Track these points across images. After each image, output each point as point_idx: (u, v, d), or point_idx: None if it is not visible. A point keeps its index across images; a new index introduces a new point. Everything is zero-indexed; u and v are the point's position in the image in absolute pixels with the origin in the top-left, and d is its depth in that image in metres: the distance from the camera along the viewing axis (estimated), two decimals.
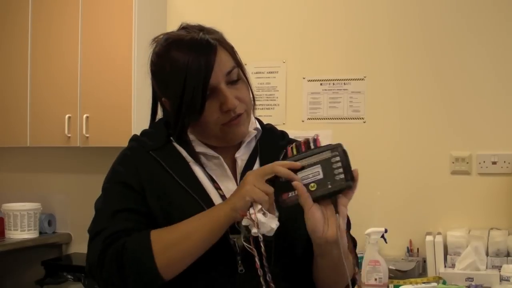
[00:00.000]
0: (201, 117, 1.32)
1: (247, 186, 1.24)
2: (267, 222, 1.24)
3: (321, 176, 1.26)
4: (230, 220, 1.26)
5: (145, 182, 1.34)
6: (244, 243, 1.25)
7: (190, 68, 1.29)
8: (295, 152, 1.30)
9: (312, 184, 1.26)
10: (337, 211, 1.26)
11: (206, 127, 1.35)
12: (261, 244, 1.23)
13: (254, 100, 1.43)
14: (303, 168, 1.27)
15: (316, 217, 1.25)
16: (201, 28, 1.37)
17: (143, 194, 1.33)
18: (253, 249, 1.23)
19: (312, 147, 1.30)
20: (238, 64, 1.37)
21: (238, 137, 1.38)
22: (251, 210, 1.23)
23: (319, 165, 1.27)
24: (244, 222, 1.24)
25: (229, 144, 1.39)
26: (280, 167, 1.26)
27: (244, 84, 1.37)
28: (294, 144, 1.31)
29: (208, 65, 1.29)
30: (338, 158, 1.27)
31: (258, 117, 1.50)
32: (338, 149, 1.27)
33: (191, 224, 1.28)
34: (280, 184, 1.27)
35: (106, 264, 1.28)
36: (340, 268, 1.28)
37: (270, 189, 1.25)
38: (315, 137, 1.31)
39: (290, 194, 1.26)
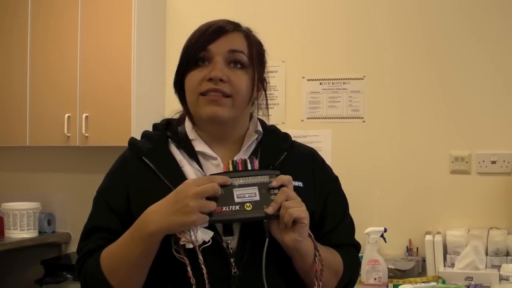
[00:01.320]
0: (188, 74, 1.35)
1: (194, 216, 1.20)
2: (203, 237, 1.23)
3: (257, 198, 1.27)
4: (164, 235, 1.25)
5: (133, 191, 1.35)
6: (175, 253, 1.25)
7: (199, 34, 1.36)
8: (231, 168, 1.31)
9: (247, 204, 1.26)
10: (267, 236, 1.28)
11: (190, 95, 1.37)
12: (198, 252, 1.23)
13: (267, 103, 1.48)
14: (239, 185, 1.27)
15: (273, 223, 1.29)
16: (238, 23, 1.43)
17: (125, 209, 1.35)
18: (184, 258, 1.24)
19: (249, 167, 1.31)
20: (253, 62, 1.39)
21: (212, 114, 1.34)
22: (191, 233, 1.22)
23: (256, 187, 1.28)
24: (182, 241, 1.23)
25: (208, 123, 1.38)
26: (219, 190, 1.24)
27: (246, 77, 1.37)
28: (230, 160, 1.32)
29: (214, 35, 1.35)
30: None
31: (260, 118, 1.49)
32: (276, 177, 1.29)
33: (127, 245, 1.28)
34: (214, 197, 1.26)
35: (81, 285, 1.38)
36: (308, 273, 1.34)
37: (213, 206, 1.23)
38: (253, 158, 1.33)
39: (224, 208, 1.25)
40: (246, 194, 1.27)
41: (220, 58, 1.34)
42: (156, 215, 1.24)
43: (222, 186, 1.26)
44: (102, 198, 1.40)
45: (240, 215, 1.25)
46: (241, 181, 1.28)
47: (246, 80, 1.37)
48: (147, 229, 1.25)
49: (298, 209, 1.25)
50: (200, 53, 1.35)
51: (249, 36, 1.41)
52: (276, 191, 1.27)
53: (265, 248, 1.28)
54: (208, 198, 1.23)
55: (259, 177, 1.29)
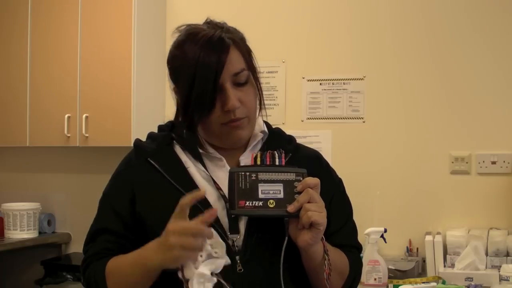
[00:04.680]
0: (209, 114, 1.32)
1: (175, 251, 1.18)
2: (207, 270, 1.19)
3: (281, 195, 1.27)
4: (161, 269, 1.24)
5: (139, 192, 1.36)
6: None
7: (201, 65, 1.30)
8: (258, 162, 1.31)
9: (271, 201, 1.27)
10: (287, 234, 1.28)
11: (209, 124, 1.35)
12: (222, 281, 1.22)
13: (263, 103, 1.43)
14: (265, 181, 1.28)
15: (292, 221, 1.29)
16: (221, 26, 1.38)
17: (130, 211, 1.36)
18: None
19: (277, 162, 1.31)
20: (250, 68, 1.37)
21: (237, 140, 1.38)
22: (189, 271, 1.19)
23: (281, 184, 1.28)
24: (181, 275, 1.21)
25: (231, 147, 1.40)
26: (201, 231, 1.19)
27: (252, 89, 1.37)
28: (258, 153, 1.33)
29: (219, 64, 1.30)
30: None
31: (266, 121, 1.50)
32: (303, 175, 1.29)
33: (130, 270, 1.29)
34: (240, 190, 1.27)
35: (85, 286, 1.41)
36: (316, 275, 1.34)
37: (193, 244, 1.17)
38: (281, 152, 1.33)
39: (248, 203, 1.26)
40: (270, 190, 1.28)
41: (228, 85, 1.32)
42: (150, 252, 1.25)
43: (249, 179, 1.28)
44: (107, 201, 1.41)
45: (262, 212, 1.27)
46: (267, 176, 1.28)
47: (253, 93, 1.38)
48: (146, 265, 1.26)
49: (317, 213, 1.25)
50: (215, 92, 1.30)
51: (238, 43, 1.36)
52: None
53: (284, 247, 1.28)
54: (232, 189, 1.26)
55: (285, 174, 1.29)
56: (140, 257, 1.28)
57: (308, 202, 1.26)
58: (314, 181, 1.28)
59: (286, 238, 1.28)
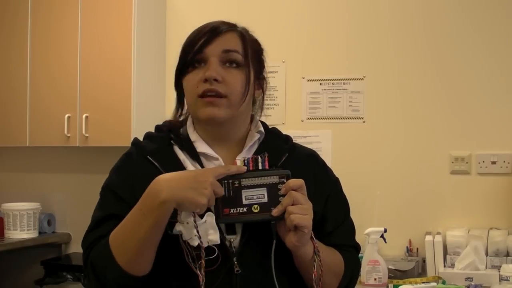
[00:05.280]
0: (185, 76, 1.37)
1: (206, 199, 1.22)
2: (209, 234, 1.24)
3: (265, 199, 1.27)
4: (173, 207, 1.24)
5: (138, 188, 1.33)
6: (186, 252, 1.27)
7: (194, 34, 1.37)
8: None
9: (255, 206, 1.27)
10: (277, 235, 1.29)
11: (188, 98, 1.37)
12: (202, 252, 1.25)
13: (263, 104, 1.49)
14: (248, 186, 1.28)
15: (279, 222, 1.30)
16: (231, 23, 1.43)
17: (133, 201, 1.34)
18: (201, 254, 1.25)
19: (260, 166, 1.30)
20: (247, 57, 1.38)
21: (209, 116, 1.35)
22: (196, 221, 1.22)
23: (265, 188, 1.28)
24: (179, 227, 1.24)
25: (205, 125, 1.39)
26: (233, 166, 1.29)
27: (241, 75, 1.37)
28: (242, 159, 1.32)
29: (207, 35, 1.36)
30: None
31: (262, 120, 1.50)
32: (286, 177, 1.28)
33: (136, 219, 1.27)
34: (224, 198, 1.27)
35: (87, 274, 1.34)
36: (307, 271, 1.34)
37: (221, 191, 1.26)
38: (265, 155, 1.32)
39: (232, 210, 1.27)
40: (254, 195, 1.28)
41: (215, 58, 1.34)
42: (172, 183, 1.23)
43: (232, 186, 1.27)
44: (110, 190, 1.38)
45: (246, 218, 1.27)
46: (250, 181, 1.28)
47: (241, 79, 1.37)
48: (159, 197, 1.23)
49: (300, 216, 1.25)
50: (195, 56, 1.35)
51: (243, 35, 1.40)
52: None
53: (273, 250, 1.28)
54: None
55: (268, 177, 1.29)
56: (150, 196, 1.25)
57: (293, 205, 1.26)
58: (298, 182, 1.28)
59: (274, 241, 1.28)
